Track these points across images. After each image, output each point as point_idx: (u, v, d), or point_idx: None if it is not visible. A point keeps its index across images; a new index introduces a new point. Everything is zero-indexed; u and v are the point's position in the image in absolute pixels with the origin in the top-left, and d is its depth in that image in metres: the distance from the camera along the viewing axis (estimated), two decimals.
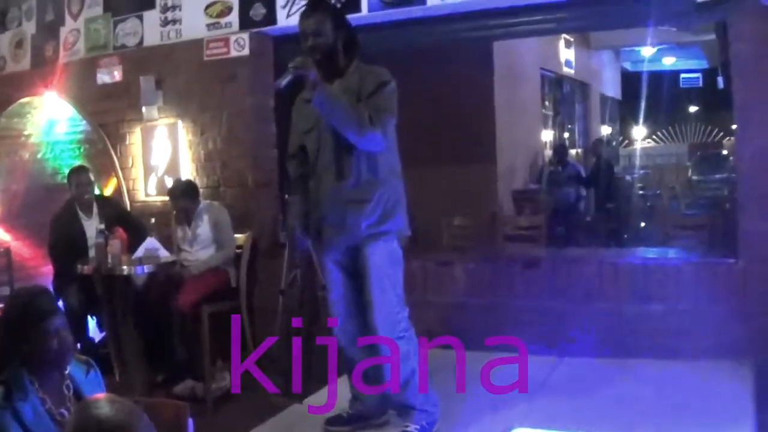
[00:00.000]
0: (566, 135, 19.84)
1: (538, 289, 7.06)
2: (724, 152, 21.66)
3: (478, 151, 11.76)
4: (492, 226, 9.28)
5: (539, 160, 16.52)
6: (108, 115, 9.21)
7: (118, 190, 9.21)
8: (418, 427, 5.14)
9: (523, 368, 6.43)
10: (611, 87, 24.49)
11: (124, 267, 7.39)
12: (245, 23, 8.19)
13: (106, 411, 2.86)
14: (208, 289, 7.57)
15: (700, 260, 6.67)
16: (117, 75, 9.08)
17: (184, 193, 7.89)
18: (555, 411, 5.52)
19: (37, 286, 4.43)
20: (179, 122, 8.70)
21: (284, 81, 4.87)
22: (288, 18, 6.05)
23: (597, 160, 14.94)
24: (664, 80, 26.45)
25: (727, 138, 25.44)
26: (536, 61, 16.29)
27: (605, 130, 23.12)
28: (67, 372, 3.91)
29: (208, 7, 8.38)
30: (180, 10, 8.58)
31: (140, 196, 9.05)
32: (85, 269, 7.54)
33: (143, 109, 8.82)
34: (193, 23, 8.48)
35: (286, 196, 8.28)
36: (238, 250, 7.90)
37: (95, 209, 8.31)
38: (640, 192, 16.29)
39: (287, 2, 5.30)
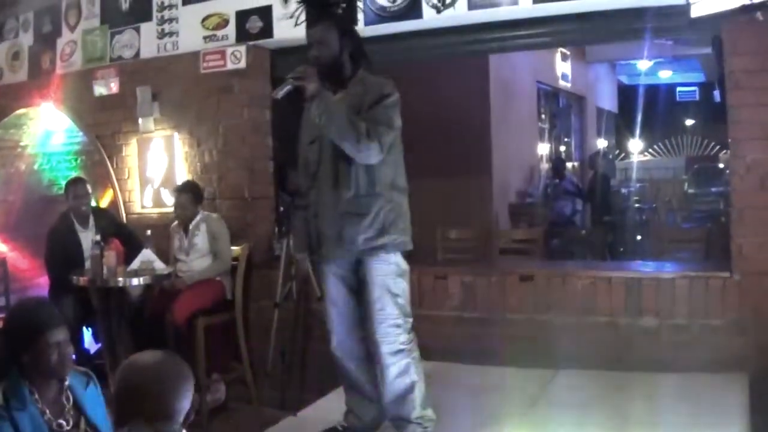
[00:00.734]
0: (562, 148, 19.87)
1: (534, 302, 7.06)
2: (721, 165, 21.63)
3: (474, 165, 11.78)
4: (487, 239, 9.28)
5: (535, 174, 16.54)
6: (104, 127, 9.22)
7: (114, 202, 9.22)
8: None
9: (519, 381, 6.45)
10: (607, 100, 24.52)
11: (120, 279, 7.41)
12: (242, 36, 8.21)
13: (144, 365, 3.34)
14: (204, 302, 7.59)
15: (695, 274, 6.66)
16: (114, 87, 9.09)
17: (186, 189, 7.97)
18: (551, 424, 5.52)
19: (41, 297, 4.46)
20: (175, 134, 8.70)
21: (282, 91, 4.88)
22: (296, 27, 6.05)
23: (594, 174, 14.96)
24: (660, 93, 26.48)
25: (724, 151, 25.40)
26: (532, 74, 16.32)
27: (601, 144, 23.13)
28: (66, 383, 3.93)
29: (204, 19, 8.39)
30: (177, 22, 8.59)
31: (136, 207, 9.05)
32: (81, 280, 7.55)
33: (139, 120, 8.83)
34: (190, 36, 8.50)
35: (281, 209, 8.34)
36: (234, 263, 7.90)
37: (91, 221, 8.32)
38: (637, 205, 16.27)
39: (295, 11, 5.28)
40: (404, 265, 5.14)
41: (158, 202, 8.86)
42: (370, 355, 5.25)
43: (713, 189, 17.88)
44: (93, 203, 8.74)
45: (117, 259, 7.51)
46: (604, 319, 6.76)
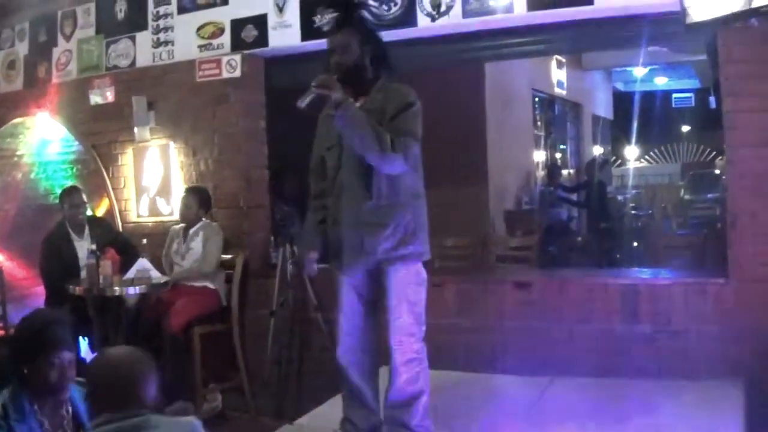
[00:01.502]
0: (558, 155, 19.88)
1: (530, 309, 7.06)
2: (717, 172, 21.67)
3: (470, 172, 11.79)
4: (483, 246, 9.28)
5: (531, 181, 16.55)
6: (100, 136, 9.22)
7: (110, 211, 9.20)
8: None
9: (515, 389, 6.45)
10: (603, 107, 24.55)
11: (116, 288, 7.41)
12: (237, 45, 8.21)
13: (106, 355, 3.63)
14: (199, 310, 7.59)
15: (691, 280, 6.66)
16: (109, 96, 9.09)
17: (194, 191, 8.09)
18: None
19: (59, 313, 4.44)
20: (171, 143, 8.70)
21: (306, 101, 4.82)
22: (317, 27, 6.20)
23: (589, 181, 14.97)
24: (656, 100, 26.54)
25: (720, 157, 25.46)
26: (528, 81, 16.34)
27: (597, 150, 23.16)
28: (67, 396, 3.95)
29: (200, 28, 8.40)
30: (172, 31, 8.60)
31: (132, 216, 9.05)
32: (77, 290, 7.54)
33: (135, 129, 8.81)
34: (185, 44, 8.50)
35: (278, 217, 8.34)
36: (230, 271, 7.90)
37: (87, 230, 8.32)
38: (633, 212, 16.29)
39: (321, 16, 5.30)
40: (423, 273, 5.12)
41: (154, 211, 8.86)
42: (374, 368, 5.28)
43: (709, 195, 17.95)
44: (89, 212, 8.73)
45: (113, 268, 7.52)
46: (600, 326, 6.76)
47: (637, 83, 24.06)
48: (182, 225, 8.03)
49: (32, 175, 10.47)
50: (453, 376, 6.49)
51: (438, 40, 7.51)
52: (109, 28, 9.08)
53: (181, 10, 8.54)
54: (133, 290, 7.46)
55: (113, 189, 9.14)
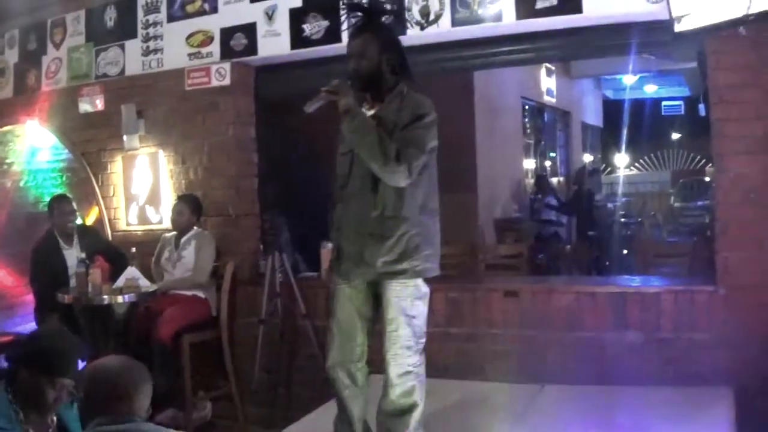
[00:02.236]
0: (548, 163, 19.90)
1: (519, 317, 7.07)
2: (707, 179, 21.71)
3: (459, 181, 11.76)
4: (473, 255, 9.28)
5: (521, 189, 16.56)
6: (90, 144, 9.22)
7: (99, 219, 9.20)
8: None
9: (505, 397, 6.45)
10: (593, 115, 24.60)
11: (105, 296, 7.40)
12: (226, 53, 8.22)
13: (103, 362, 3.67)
14: (189, 319, 7.58)
15: (680, 288, 6.67)
16: (99, 104, 9.09)
17: (186, 198, 8.08)
18: None
19: (76, 339, 4.47)
20: (160, 151, 8.70)
21: (314, 105, 4.84)
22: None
23: (578, 189, 14.99)
24: (645, 108, 26.55)
25: (710, 165, 25.50)
26: (517, 90, 16.33)
27: (587, 158, 23.19)
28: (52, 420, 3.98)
29: (189, 36, 8.41)
30: (161, 39, 8.60)
31: (121, 225, 9.04)
32: (66, 298, 7.54)
33: (124, 138, 8.82)
34: (175, 53, 8.51)
35: (267, 225, 8.34)
36: (219, 280, 7.89)
37: (76, 238, 8.31)
38: (622, 219, 16.30)
39: (342, 20, 5.28)
40: (424, 288, 5.05)
41: (143, 219, 8.86)
42: (364, 381, 5.24)
43: (699, 203, 17.97)
44: (78, 221, 8.72)
45: (102, 277, 7.51)
46: (589, 334, 6.77)
47: (626, 91, 24.11)
48: (173, 233, 8.02)
49: (22, 183, 10.47)
50: (443, 384, 6.48)
51: (427, 49, 7.50)
52: (98, 36, 9.08)
53: (171, 18, 8.54)
54: (122, 299, 7.45)
55: (102, 197, 9.14)
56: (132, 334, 7.53)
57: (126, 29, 8.86)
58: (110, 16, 8.99)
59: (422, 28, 7.28)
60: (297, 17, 7.79)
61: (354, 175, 5.01)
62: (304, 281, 7.97)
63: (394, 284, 4.94)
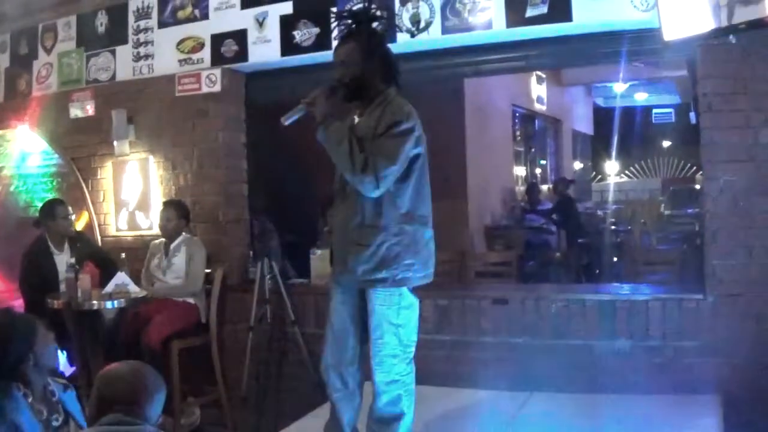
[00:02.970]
0: (538, 171, 19.93)
1: (508, 325, 7.07)
2: (697, 187, 21.71)
3: (449, 188, 11.76)
4: (463, 262, 9.29)
5: (511, 197, 16.58)
6: (80, 149, 9.21)
7: (89, 225, 9.18)
8: None
9: (494, 404, 6.46)
10: (583, 123, 24.61)
11: (94, 302, 7.40)
12: (217, 59, 8.23)
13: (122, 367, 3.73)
14: (178, 325, 7.57)
15: (668, 296, 6.69)
16: (89, 109, 9.08)
17: (173, 204, 8.06)
18: None
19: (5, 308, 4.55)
20: (150, 157, 8.70)
21: (291, 118, 4.85)
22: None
23: (561, 198, 15.04)
24: (636, 116, 26.55)
25: (700, 173, 25.53)
26: (508, 97, 16.34)
27: (577, 166, 23.21)
28: (50, 387, 4.03)
29: (180, 43, 8.42)
30: (152, 45, 8.61)
31: (111, 230, 9.03)
32: (56, 304, 7.53)
33: (115, 143, 8.82)
34: (165, 59, 8.52)
35: (256, 231, 8.35)
36: (209, 286, 7.89)
37: (66, 244, 8.30)
38: (612, 227, 16.30)
39: (332, 28, 5.29)
40: (410, 297, 5.01)
41: (133, 225, 8.86)
42: (357, 386, 5.24)
43: (689, 210, 17.92)
44: None
45: (92, 282, 7.50)
46: (578, 341, 6.78)
47: (617, 99, 24.08)
48: (163, 239, 8.01)
49: (12, 188, 10.44)
50: (431, 391, 6.48)
51: (417, 57, 7.51)
52: (89, 42, 9.08)
53: (162, 24, 8.55)
54: (111, 304, 7.44)
55: (92, 202, 9.13)
56: (121, 340, 7.52)
57: (117, 35, 8.86)
58: (101, 22, 8.99)
59: (412, 36, 7.30)
60: (287, 24, 7.81)
61: (343, 181, 5.00)
62: (293, 288, 7.98)
63: (377, 292, 4.93)
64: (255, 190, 8.71)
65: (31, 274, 8.25)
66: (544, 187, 18.61)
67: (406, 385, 5.03)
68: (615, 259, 13.24)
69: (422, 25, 7.25)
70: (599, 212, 18.44)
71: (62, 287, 7.92)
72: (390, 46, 5.28)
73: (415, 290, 5.04)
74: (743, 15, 5.52)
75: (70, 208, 8.44)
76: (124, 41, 8.81)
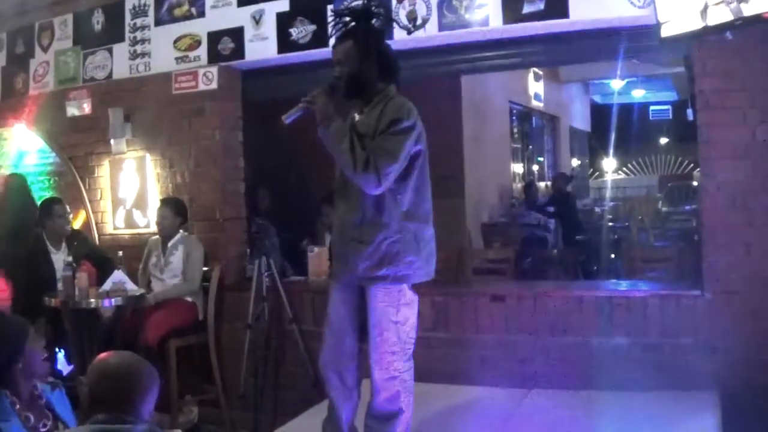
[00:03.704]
0: (535, 168, 19.92)
1: (505, 322, 7.07)
2: (695, 184, 21.68)
3: (447, 185, 11.71)
4: (460, 259, 9.27)
5: (509, 193, 16.57)
6: (77, 148, 9.21)
7: (86, 223, 9.17)
8: None
9: (492, 401, 6.45)
10: (581, 120, 24.62)
11: (92, 300, 7.39)
12: (214, 57, 8.21)
13: (116, 358, 3.61)
14: (176, 323, 7.57)
15: (666, 292, 6.68)
16: (86, 108, 9.08)
17: (169, 202, 8.09)
18: None
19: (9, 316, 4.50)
20: (147, 155, 8.69)
21: (292, 117, 4.84)
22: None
23: (559, 194, 15.03)
24: (633, 112, 26.52)
25: (698, 169, 25.47)
26: (505, 94, 16.32)
27: (575, 163, 23.19)
28: (38, 391, 4.00)
29: (176, 40, 8.40)
30: (149, 43, 8.60)
31: (108, 229, 9.03)
32: (53, 302, 7.53)
33: (111, 141, 8.81)
34: (162, 57, 8.50)
35: (253, 230, 8.34)
36: (206, 284, 7.89)
37: (64, 242, 8.29)
38: (610, 224, 16.28)
39: (330, 26, 5.28)
40: (410, 294, 5.01)
41: (130, 223, 8.85)
42: (354, 383, 5.24)
43: (687, 207, 17.91)
44: None
45: (89, 281, 7.50)
46: (575, 338, 6.77)
47: (614, 96, 24.07)
48: (159, 237, 8.01)
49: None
50: (429, 389, 6.48)
51: (414, 54, 7.49)
52: (86, 40, 9.07)
53: (158, 22, 8.54)
54: (108, 302, 7.44)
55: (90, 201, 9.12)
56: (118, 338, 7.52)
57: (114, 33, 8.86)
58: (98, 20, 8.98)
59: (409, 33, 7.28)
60: (284, 21, 7.79)
61: (343, 178, 5.01)
62: (291, 285, 7.97)
63: (377, 289, 4.92)
64: (252, 188, 8.70)
65: (29, 273, 8.23)
66: (542, 184, 18.61)
67: (404, 382, 5.02)
68: (612, 256, 13.22)
69: (419, 21, 7.24)
70: (597, 209, 18.43)
71: (60, 286, 7.91)
72: (387, 43, 5.28)
73: (413, 287, 5.03)
74: (740, 11, 5.52)
75: (67, 207, 8.43)
76: (121, 39, 8.80)
